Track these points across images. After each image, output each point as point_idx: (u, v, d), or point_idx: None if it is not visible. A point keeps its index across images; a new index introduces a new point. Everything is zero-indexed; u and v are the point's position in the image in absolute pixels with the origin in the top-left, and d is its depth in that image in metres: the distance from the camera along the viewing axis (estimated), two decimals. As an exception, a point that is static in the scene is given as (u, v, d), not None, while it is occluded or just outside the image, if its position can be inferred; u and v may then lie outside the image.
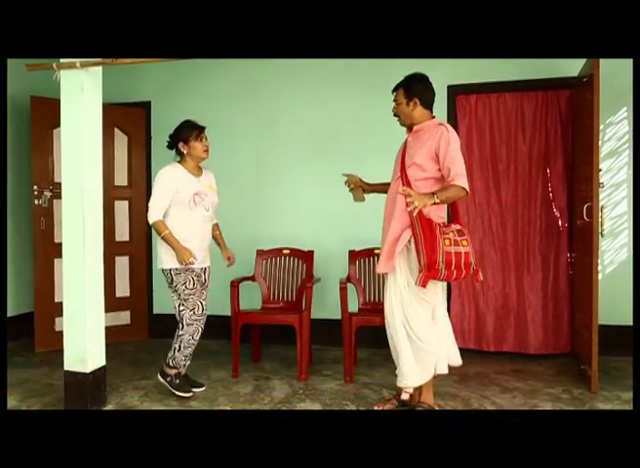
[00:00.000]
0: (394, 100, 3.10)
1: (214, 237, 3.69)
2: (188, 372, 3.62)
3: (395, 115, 3.12)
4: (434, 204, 2.81)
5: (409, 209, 2.75)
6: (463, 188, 2.86)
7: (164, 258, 3.43)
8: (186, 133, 3.43)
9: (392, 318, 3.04)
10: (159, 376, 3.52)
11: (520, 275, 4.37)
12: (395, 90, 3.11)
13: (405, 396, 3.06)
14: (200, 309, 3.44)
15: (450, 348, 3.10)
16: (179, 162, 3.49)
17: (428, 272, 2.80)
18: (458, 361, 3.12)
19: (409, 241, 2.95)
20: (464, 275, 2.88)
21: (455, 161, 2.87)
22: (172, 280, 3.44)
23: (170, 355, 3.48)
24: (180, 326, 3.45)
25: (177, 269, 3.40)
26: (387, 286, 3.09)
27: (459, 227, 2.96)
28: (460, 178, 2.85)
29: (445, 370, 3.04)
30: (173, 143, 3.49)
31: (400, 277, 3.00)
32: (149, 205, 3.38)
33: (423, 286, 2.84)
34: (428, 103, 3.07)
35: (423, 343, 2.95)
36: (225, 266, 3.72)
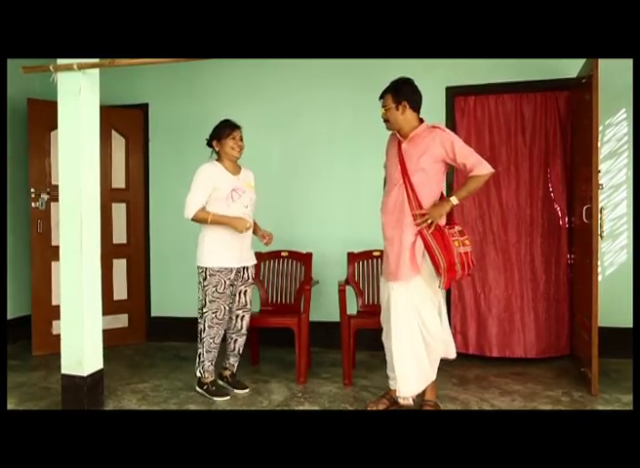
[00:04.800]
0: (383, 106, 3.11)
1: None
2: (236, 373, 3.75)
3: (385, 120, 3.14)
4: (452, 207, 3.02)
5: (422, 224, 2.95)
6: (486, 174, 2.99)
7: (205, 256, 3.43)
8: (220, 131, 3.47)
9: (406, 325, 3.02)
10: (197, 387, 3.57)
11: (521, 276, 4.35)
12: (382, 95, 3.12)
13: (406, 401, 3.07)
14: (222, 313, 3.46)
15: (448, 341, 3.18)
16: (217, 160, 3.51)
17: (449, 274, 2.94)
18: (453, 354, 3.23)
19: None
20: (468, 272, 3.04)
21: (466, 155, 2.98)
22: (205, 278, 3.44)
23: (198, 364, 3.52)
24: (202, 327, 3.48)
25: (212, 269, 3.40)
26: (393, 293, 3.06)
27: (460, 228, 3.09)
28: (478, 167, 2.97)
29: (454, 355, 3.21)
30: (209, 142, 3.52)
31: (415, 282, 3.01)
32: (186, 200, 3.37)
33: (447, 288, 3.04)
34: (417, 106, 3.10)
35: (436, 342, 3.05)
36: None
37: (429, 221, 2.96)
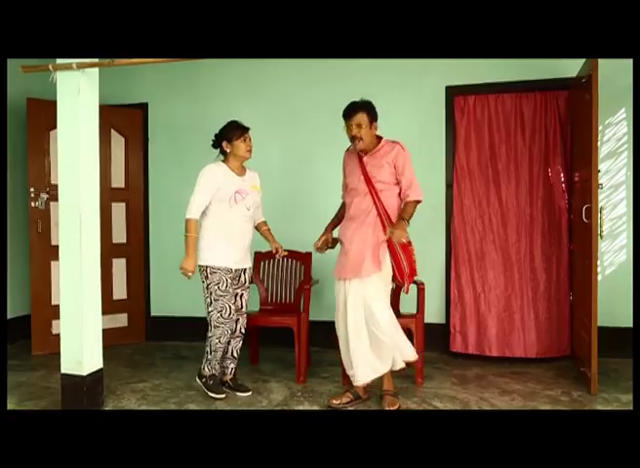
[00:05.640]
0: (356, 124, 3.21)
1: (262, 233, 3.75)
2: (237, 376, 3.75)
3: (356, 139, 3.23)
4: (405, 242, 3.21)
5: (394, 239, 3.12)
6: (418, 200, 3.27)
7: (205, 255, 3.44)
8: (230, 132, 3.46)
9: (356, 319, 3.22)
10: (196, 378, 3.62)
11: (521, 276, 4.34)
12: (354, 113, 3.22)
13: (359, 383, 3.29)
14: (227, 312, 3.46)
15: (402, 344, 3.31)
16: (223, 161, 3.52)
17: (410, 279, 3.25)
18: (412, 356, 3.34)
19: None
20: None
21: (410, 178, 3.25)
22: (206, 277, 3.45)
23: (204, 359, 3.55)
24: (209, 327, 3.50)
25: (213, 267, 3.42)
26: (349, 290, 3.26)
27: (408, 239, 3.26)
28: (414, 192, 3.25)
29: (403, 364, 3.32)
30: (217, 143, 3.52)
31: (371, 279, 3.20)
32: (190, 200, 3.39)
33: (408, 291, 3.30)
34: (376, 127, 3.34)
35: (386, 337, 3.19)
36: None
37: (403, 239, 3.13)
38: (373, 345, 3.23)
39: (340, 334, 3.37)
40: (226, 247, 3.43)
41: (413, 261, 3.25)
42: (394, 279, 3.29)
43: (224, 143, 3.47)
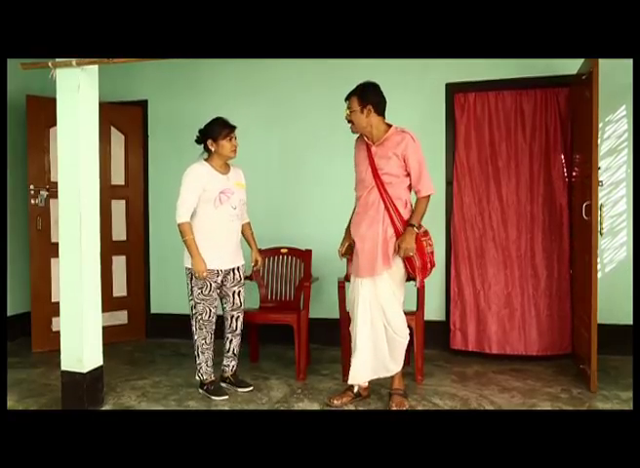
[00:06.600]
0: (348, 108, 3.19)
1: (245, 236, 3.68)
2: (237, 372, 3.73)
3: (349, 122, 3.21)
4: (417, 234, 3.13)
5: (402, 255, 3.09)
6: (430, 195, 3.21)
7: (191, 258, 3.40)
8: (217, 131, 3.39)
9: (367, 318, 3.17)
10: (199, 388, 3.58)
11: (522, 273, 4.33)
12: (348, 97, 3.20)
13: (356, 388, 3.32)
14: (209, 315, 3.45)
15: None
16: (206, 159, 3.46)
17: (422, 273, 3.17)
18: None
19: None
20: (430, 272, 3.24)
21: (422, 171, 3.17)
22: (190, 280, 3.43)
23: (196, 364, 3.54)
24: (194, 329, 3.48)
25: None
26: (360, 288, 3.19)
27: (424, 229, 3.22)
28: (426, 188, 3.18)
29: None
30: (202, 140, 3.45)
31: (382, 277, 3.15)
32: (177, 204, 3.36)
33: (422, 286, 3.29)
34: (381, 110, 3.19)
35: (401, 337, 3.18)
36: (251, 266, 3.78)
37: (410, 253, 3.09)
38: (389, 344, 3.18)
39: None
40: (215, 248, 3.38)
41: (426, 253, 3.15)
42: (408, 274, 3.22)
43: (209, 142, 3.41)
